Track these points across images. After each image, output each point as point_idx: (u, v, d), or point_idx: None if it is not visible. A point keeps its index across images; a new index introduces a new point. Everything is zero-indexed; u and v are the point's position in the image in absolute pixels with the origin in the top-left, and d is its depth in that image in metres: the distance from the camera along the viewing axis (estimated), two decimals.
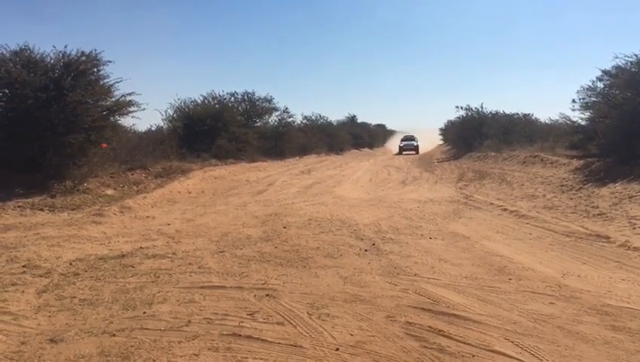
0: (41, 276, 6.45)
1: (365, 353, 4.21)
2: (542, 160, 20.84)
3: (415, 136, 55.54)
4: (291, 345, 4.33)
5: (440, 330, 4.67)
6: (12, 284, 6.03)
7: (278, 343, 4.37)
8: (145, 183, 16.47)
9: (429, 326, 4.77)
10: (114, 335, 4.52)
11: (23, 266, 6.87)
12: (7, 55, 13.89)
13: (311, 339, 4.47)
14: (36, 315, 5.09)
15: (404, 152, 49.84)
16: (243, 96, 32.74)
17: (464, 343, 4.38)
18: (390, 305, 5.40)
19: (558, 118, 24.40)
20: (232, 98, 31.99)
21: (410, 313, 5.15)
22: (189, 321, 4.88)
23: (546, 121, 33.38)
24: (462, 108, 37.10)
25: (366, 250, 7.98)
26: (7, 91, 13.82)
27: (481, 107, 36.65)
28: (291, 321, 4.91)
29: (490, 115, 36.48)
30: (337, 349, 4.26)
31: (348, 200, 14.44)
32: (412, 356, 4.16)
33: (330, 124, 47.93)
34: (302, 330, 4.68)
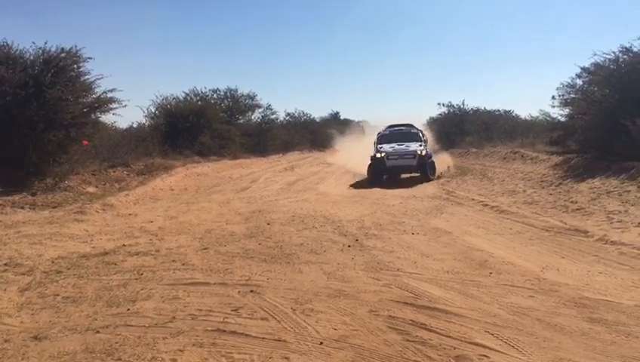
0: (23, 274, 6.41)
1: (349, 347, 4.26)
2: (522, 156, 21.10)
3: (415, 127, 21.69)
4: (275, 340, 4.38)
5: (422, 324, 4.74)
6: None
7: (263, 338, 4.41)
8: (127, 181, 16.36)
9: (412, 320, 4.84)
10: (98, 332, 4.53)
11: (5, 264, 6.83)
12: None
13: (295, 334, 4.52)
14: (19, 313, 5.07)
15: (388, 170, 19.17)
16: (226, 92, 32.67)
17: (446, 336, 4.45)
18: (373, 299, 5.47)
19: (538, 114, 24.74)
20: (215, 95, 31.93)
21: (392, 307, 5.22)
22: (174, 317, 4.90)
23: (527, 118, 33.81)
24: (444, 105, 37.33)
25: (349, 246, 8.04)
26: None
27: (463, 104, 36.92)
28: (275, 316, 4.95)
29: (471, 112, 36.77)
30: (321, 343, 4.31)
31: (331, 196, 14.51)
32: (395, 349, 4.23)
33: (313, 120, 47.91)
34: (286, 325, 4.72)
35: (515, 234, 8.93)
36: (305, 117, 45.83)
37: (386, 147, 19.24)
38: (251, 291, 5.73)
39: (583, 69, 17.53)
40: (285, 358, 4.01)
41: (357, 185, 17.94)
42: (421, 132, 20.99)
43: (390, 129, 21.17)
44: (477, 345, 4.27)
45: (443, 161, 22.62)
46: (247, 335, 4.48)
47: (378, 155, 18.99)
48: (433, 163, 19.33)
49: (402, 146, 19.09)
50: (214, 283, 6.06)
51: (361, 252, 7.69)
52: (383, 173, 18.79)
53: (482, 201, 12.59)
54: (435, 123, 36.55)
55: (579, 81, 18.07)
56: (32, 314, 5.04)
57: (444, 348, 4.20)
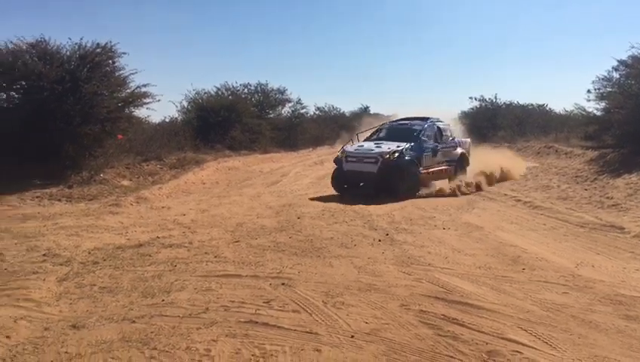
0: (61, 264, 6.58)
1: (380, 340, 4.27)
2: (556, 151, 20.76)
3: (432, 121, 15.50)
4: (307, 332, 4.41)
5: (454, 319, 4.73)
6: (33, 272, 6.16)
7: (294, 330, 4.45)
8: (160, 174, 16.62)
9: (443, 315, 4.83)
10: (134, 321, 4.63)
11: (43, 255, 7.01)
12: (24, 47, 14.06)
13: (326, 327, 4.55)
14: (58, 302, 5.21)
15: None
16: (256, 87, 32.78)
17: (478, 331, 4.43)
18: (404, 294, 5.47)
19: (573, 108, 24.24)
20: (246, 89, 32.06)
21: (424, 302, 5.21)
22: (207, 309, 4.97)
23: (561, 112, 33.19)
24: (475, 98, 36.84)
25: (380, 240, 8.04)
26: (24, 83, 13.99)
27: (495, 98, 36.40)
28: (307, 309, 4.99)
29: (504, 106, 36.25)
30: (352, 336, 4.33)
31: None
32: (426, 343, 4.22)
33: (342, 115, 47.81)
34: (317, 318, 4.76)
35: (548, 229, 8.80)
36: (335, 111, 45.78)
37: (355, 145, 14.69)
38: (283, 284, 5.78)
39: (620, 62, 17.14)
40: (317, 350, 4.05)
41: None
42: (438, 129, 15.11)
43: (392, 123, 16.50)
44: (510, 340, 4.24)
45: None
46: (279, 327, 4.53)
47: (339, 154, 14.41)
48: (415, 174, 13.56)
49: (372, 146, 13.98)
50: (246, 276, 6.13)
51: (392, 246, 7.68)
52: (343, 180, 14.07)
53: (515, 197, 12.43)
54: (466, 117, 36.17)
55: (615, 75, 17.66)
56: (70, 304, 5.17)
57: (476, 343, 4.18)
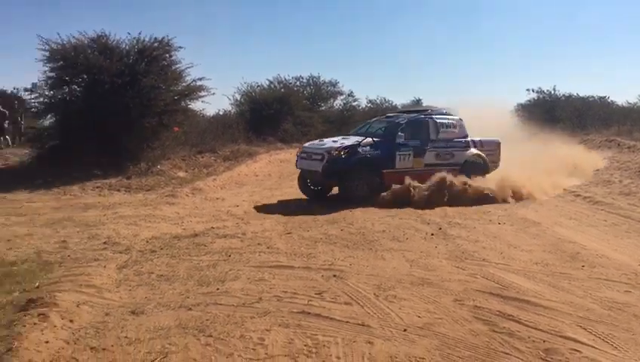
0: (120, 252, 6.81)
1: (433, 334, 4.23)
2: (619, 144, 19.93)
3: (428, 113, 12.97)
4: (359, 324, 4.41)
5: (509, 315, 4.63)
6: (95, 260, 6.39)
7: (347, 322, 4.46)
8: (214, 166, 16.95)
9: (498, 311, 4.73)
10: (190, 309, 4.74)
11: (104, 243, 7.27)
12: (86, 42, 14.60)
13: (378, 319, 4.53)
14: (118, 289, 5.39)
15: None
16: (308, 80, 32.89)
17: (535, 328, 4.32)
18: (458, 288, 5.39)
19: (636, 100, 23.23)
20: (298, 82, 32.22)
21: (478, 297, 5.12)
22: (260, 298, 5.04)
23: (623, 104, 31.85)
24: (533, 90, 35.78)
25: (432, 234, 7.95)
26: (85, 77, 14.53)
27: (554, 89, 35.25)
28: (359, 301, 4.98)
29: (563, 98, 35.06)
30: (405, 330, 4.30)
31: None
32: (481, 339, 4.15)
33: (394, 108, 47.41)
34: (369, 310, 4.75)
35: (609, 226, 8.48)
36: (386, 103, 45.43)
37: (315, 140, 13.37)
38: (334, 276, 5.80)
39: None
40: (369, 342, 4.04)
41: None
42: (433, 124, 12.36)
43: (382, 116, 14.63)
44: (568, 338, 4.11)
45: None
46: (331, 318, 4.54)
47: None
48: (370, 176, 11.28)
49: (328, 141, 12.25)
50: (298, 267, 6.18)
51: (445, 241, 7.58)
52: (304, 180, 12.30)
53: (574, 192, 12.03)
54: (523, 109, 35.19)
55: None
56: (130, 290, 5.34)
57: (533, 341, 4.08)
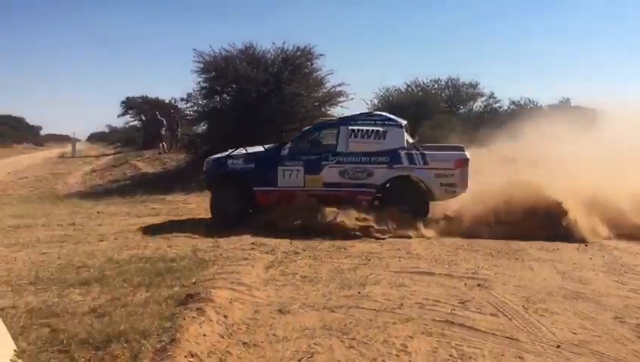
0: (267, 253, 7.13)
1: (590, 353, 3.92)
2: None
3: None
4: (507, 337, 4.21)
5: None
6: (244, 259, 6.76)
7: (493, 334, 4.28)
8: None
9: None
10: (333, 311, 4.83)
11: (252, 243, 7.66)
12: (235, 53, 15.59)
13: (528, 334, 4.30)
14: (265, 287, 5.65)
15: None
16: (447, 82, 32.16)
17: None
18: (618, 305, 4.96)
19: None
20: (436, 85, 31.64)
21: None
22: (402, 304, 5.00)
23: None
24: None
25: (586, 245, 7.41)
26: (234, 86, 15.50)
27: None
28: (505, 313, 4.76)
29: None
30: (558, 346, 4.03)
31: None
32: None
33: (540, 109, 44.82)
34: (518, 323, 4.51)
35: None
36: (531, 105, 43.06)
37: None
38: (478, 285, 5.60)
39: None
40: (519, 357, 3.84)
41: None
42: (350, 132, 9.38)
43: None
44: None
45: None
46: (476, 329, 4.38)
47: None
48: (224, 193, 9.63)
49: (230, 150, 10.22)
50: (439, 274, 6.06)
51: (600, 251, 7.04)
52: None
53: None
54: None
55: None
56: (276, 290, 5.57)
57: None
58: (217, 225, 9.02)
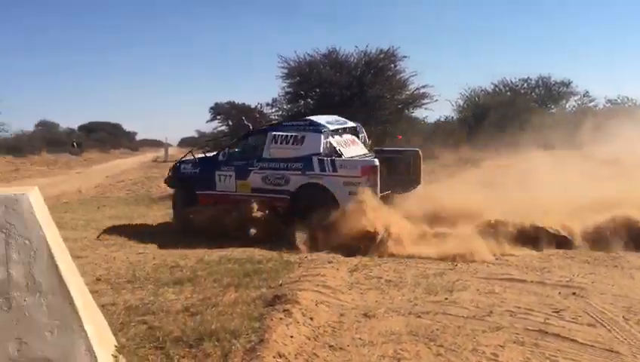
0: (350, 256, 7.15)
1: None
2: None
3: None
4: (606, 350, 3.98)
5: None
6: (328, 262, 6.83)
7: (591, 346, 4.05)
8: (435, 173, 16.87)
9: None
10: (419, 316, 4.76)
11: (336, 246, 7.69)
12: (318, 58, 15.80)
13: (630, 346, 4.04)
14: (350, 291, 5.66)
15: None
16: (537, 81, 30.92)
17: None
18: None
19: None
20: (525, 84, 30.51)
21: None
22: (491, 312, 4.86)
23: None
24: None
25: None
26: (318, 90, 15.70)
27: None
28: (604, 324, 4.51)
29: None
30: None
31: None
32: None
33: (638, 107, 42.03)
34: (618, 335, 4.26)
35: None
36: (630, 103, 40.46)
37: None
38: (573, 293, 5.34)
39: None
40: None
41: None
42: (272, 138, 9.30)
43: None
44: None
45: None
46: (572, 339, 4.17)
47: None
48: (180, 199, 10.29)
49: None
50: (531, 282, 5.83)
51: None
52: None
53: None
54: None
55: None
56: (361, 293, 5.58)
57: None
58: (178, 230, 9.32)
